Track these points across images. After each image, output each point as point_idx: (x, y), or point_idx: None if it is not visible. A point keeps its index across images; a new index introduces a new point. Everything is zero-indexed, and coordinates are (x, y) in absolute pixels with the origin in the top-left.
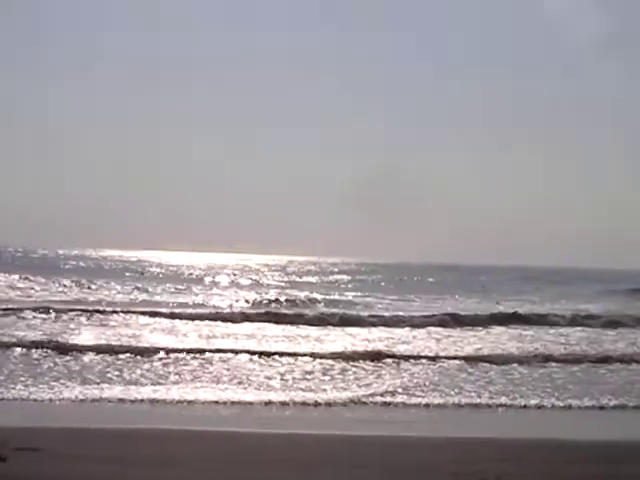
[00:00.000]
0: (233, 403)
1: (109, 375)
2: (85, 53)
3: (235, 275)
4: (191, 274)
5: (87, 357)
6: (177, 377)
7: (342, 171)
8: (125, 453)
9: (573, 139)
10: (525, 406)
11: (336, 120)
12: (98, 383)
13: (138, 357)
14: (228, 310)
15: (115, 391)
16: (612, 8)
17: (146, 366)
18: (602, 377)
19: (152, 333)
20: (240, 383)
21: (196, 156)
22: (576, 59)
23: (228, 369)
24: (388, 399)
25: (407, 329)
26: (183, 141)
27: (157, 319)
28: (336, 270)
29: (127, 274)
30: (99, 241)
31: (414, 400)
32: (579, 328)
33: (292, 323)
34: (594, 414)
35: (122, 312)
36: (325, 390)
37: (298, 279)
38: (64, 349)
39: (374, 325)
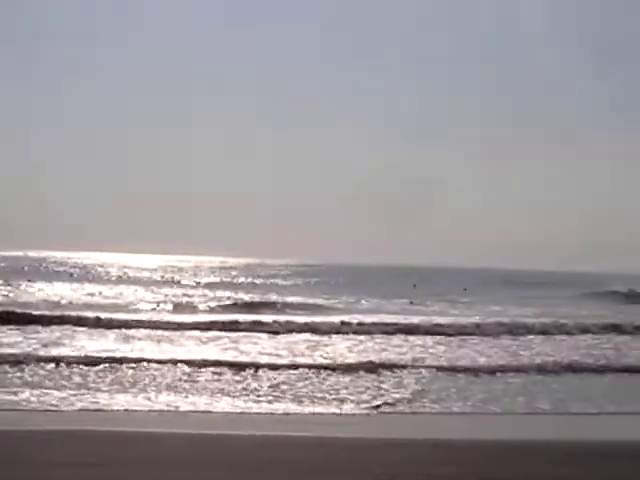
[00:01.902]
0: (163, 409)
1: (38, 381)
2: (83, 52)
3: (169, 277)
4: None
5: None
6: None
7: (341, 171)
8: (61, 455)
9: (570, 140)
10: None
11: (335, 119)
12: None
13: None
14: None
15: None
16: (613, 9)
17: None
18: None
19: (75, 337)
20: (163, 389)
21: (194, 155)
22: (577, 60)
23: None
24: (315, 402)
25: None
26: (181, 140)
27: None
28: (284, 272)
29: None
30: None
31: (336, 403)
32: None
33: (206, 329)
34: (518, 418)
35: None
36: (251, 396)
37: (238, 281)
38: None
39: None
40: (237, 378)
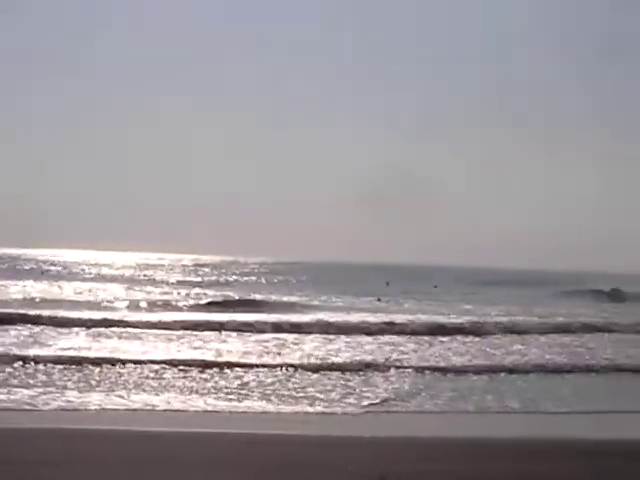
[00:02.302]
0: (139, 408)
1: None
2: (83, 52)
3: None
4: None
5: None
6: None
7: (341, 171)
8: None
9: (570, 140)
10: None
11: (335, 119)
12: None
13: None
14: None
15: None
16: (613, 10)
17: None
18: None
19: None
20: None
21: (194, 155)
22: (577, 60)
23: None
24: (286, 401)
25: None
26: (181, 140)
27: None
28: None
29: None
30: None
31: (307, 401)
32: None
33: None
34: (489, 417)
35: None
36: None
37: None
38: None
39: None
40: (212, 377)
